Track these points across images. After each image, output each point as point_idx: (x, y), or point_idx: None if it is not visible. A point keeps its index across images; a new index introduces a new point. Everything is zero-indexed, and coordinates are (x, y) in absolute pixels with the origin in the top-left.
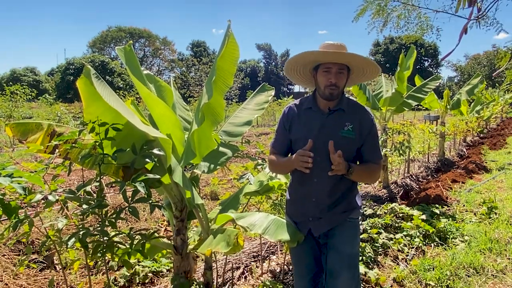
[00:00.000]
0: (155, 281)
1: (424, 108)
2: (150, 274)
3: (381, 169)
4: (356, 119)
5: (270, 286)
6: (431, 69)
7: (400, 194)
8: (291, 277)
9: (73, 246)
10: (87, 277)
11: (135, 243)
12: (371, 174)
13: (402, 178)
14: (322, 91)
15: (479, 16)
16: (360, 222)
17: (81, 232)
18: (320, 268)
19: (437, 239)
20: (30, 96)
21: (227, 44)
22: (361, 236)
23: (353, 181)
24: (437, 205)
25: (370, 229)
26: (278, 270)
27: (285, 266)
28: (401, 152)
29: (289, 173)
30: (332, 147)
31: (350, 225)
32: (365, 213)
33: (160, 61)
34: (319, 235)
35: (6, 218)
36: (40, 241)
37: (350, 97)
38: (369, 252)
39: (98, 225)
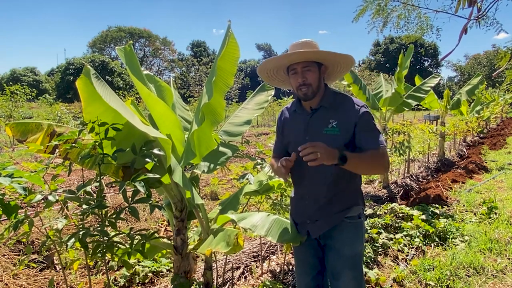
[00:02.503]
0: (155, 281)
1: (424, 108)
2: (150, 274)
3: (387, 155)
4: (341, 113)
5: (270, 286)
6: (431, 69)
7: (400, 194)
8: (291, 277)
9: (73, 246)
10: (87, 277)
11: (135, 243)
12: (374, 162)
13: (402, 178)
14: (296, 93)
15: (479, 16)
16: (362, 221)
17: (81, 232)
18: (323, 267)
19: (437, 239)
20: (30, 96)
21: (228, 44)
22: (364, 235)
23: (348, 177)
24: (437, 205)
25: (370, 229)
26: (278, 270)
27: (285, 266)
28: (401, 152)
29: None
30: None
31: (349, 226)
32: (365, 213)
33: (160, 61)
34: (318, 236)
35: (6, 218)
36: (40, 241)
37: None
38: (369, 252)
39: (98, 225)
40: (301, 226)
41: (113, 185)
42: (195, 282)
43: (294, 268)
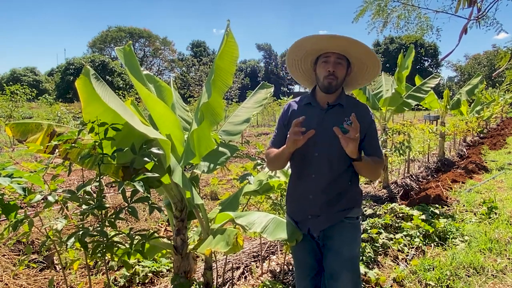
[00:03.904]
0: (155, 281)
1: (424, 108)
2: (150, 274)
3: (383, 166)
4: (356, 114)
5: (270, 286)
6: (431, 69)
7: (400, 194)
8: (291, 277)
9: (73, 246)
10: (87, 277)
11: (135, 243)
12: (376, 167)
13: (402, 178)
14: (321, 82)
15: (479, 16)
16: (360, 222)
17: (80, 232)
18: (322, 268)
19: (437, 239)
20: (30, 96)
21: (226, 44)
22: (361, 236)
23: (351, 177)
24: (437, 205)
25: (370, 229)
26: (278, 270)
27: (285, 266)
28: (401, 152)
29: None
30: (339, 130)
31: (349, 227)
32: (365, 213)
33: (160, 61)
34: (318, 236)
35: (6, 218)
36: (40, 241)
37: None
38: (369, 252)
39: (98, 225)
40: (302, 223)
41: (113, 185)
42: (195, 282)
43: (294, 269)
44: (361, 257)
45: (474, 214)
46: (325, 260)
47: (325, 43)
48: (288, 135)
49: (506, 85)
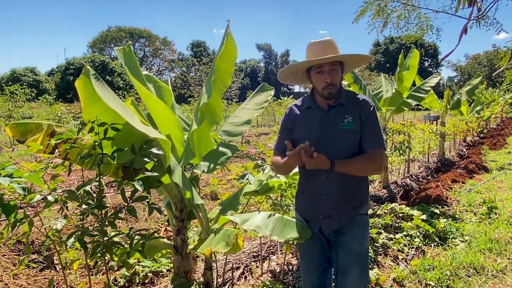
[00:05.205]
0: (155, 281)
1: (424, 108)
2: (150, 274)
3: (383, 158)
4: (356, 110)
5: (270, 286)
6: (431, 69)
7: (400, 194)
8: (291, 277)
9: (73, 246)
10: (87, 277)
11: (134, 243)
12: (367, 164)
13: (402, 178)
14: (320, 92)
15: (479, 16)
16: (368, 219)
17: (79, 232)
18: (329, 265)
19: (437, 239)
20: (30, 96)
21: (226, 44)
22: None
23: (360, 178)
24: (437, 205)
25: (370, 229)
26: (278, 270)
27: (285, 266)
28: (401, 152)
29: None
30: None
31: (359, 223)
32: None
33: (160, 61)
34: (329, 233)
35: (6, 218)
36: (40, 241)
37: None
38: (369, 252)
39: (97, 225)
40: (313, 222)
41: (113, 185)
42: (195, 282)
43: (300, 266)
44: None
45: (474, 214)
46: (336, 255)
47: (318, 60)
48: (289, 155)
49: (506, 85)
